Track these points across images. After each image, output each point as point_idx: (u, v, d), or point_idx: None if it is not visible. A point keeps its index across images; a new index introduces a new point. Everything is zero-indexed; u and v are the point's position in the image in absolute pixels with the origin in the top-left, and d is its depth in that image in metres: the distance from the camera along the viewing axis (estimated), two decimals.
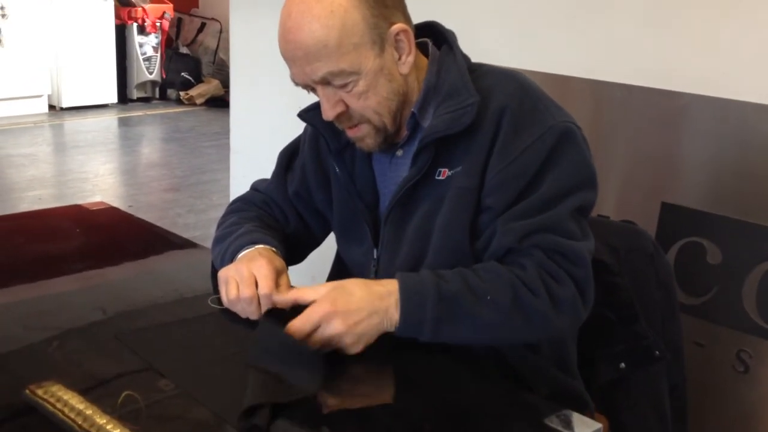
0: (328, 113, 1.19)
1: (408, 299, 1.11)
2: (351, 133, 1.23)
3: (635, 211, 1.81)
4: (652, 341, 1.36)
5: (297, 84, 1.19)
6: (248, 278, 1.16)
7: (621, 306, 1.35)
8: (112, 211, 1.77)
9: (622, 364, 1.37)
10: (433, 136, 1.18)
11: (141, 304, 1.29)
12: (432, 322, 1.11)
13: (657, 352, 1.36)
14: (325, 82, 1.15)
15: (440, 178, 1.21)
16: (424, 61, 1.26)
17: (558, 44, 1.98)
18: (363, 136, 1.22)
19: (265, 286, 1.16)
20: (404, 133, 1.26)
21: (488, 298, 1.12)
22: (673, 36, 1.78)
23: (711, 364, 1.79)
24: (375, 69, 1.16)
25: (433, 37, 1.28)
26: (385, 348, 1.11)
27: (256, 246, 1.25)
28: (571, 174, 1.18)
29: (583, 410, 1.27)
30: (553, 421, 0.95)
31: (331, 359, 1.07)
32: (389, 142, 1.25)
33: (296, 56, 1.14)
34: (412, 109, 1.24)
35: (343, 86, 1.16)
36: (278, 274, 1.19)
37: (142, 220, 1.75)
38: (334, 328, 1.07)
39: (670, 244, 1.79)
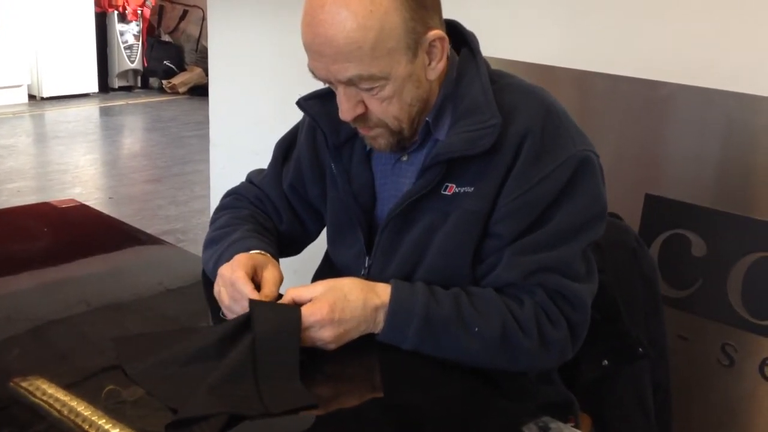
0: (347, 114, 1.13)
1: (394, 313, 1.10)
2: (364, 132, 1.17)
3: (619, 204, 1.77)
4: (635, 339, 1.35)
5: (315, 77, 1.12)
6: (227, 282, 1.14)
7: (604, 304, 1.32)
8: (81, 208, 1.74)
9: (605, 361, 1.36)
10: (449, 155, 1.12)
11: (108, 304, 1.28)
12: (413, 340, 1.11)
13: (640, 350, 1.35)
14: (351, 83, 1.09)
15: (446, 193, 1.16)
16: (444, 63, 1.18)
17: (542, 34, 1.95)
18: (376, 136, 1.17)
19: (236, 278, 1.12)
20: (415, 139, 1.20)
21: (476, 329, 1.10)
22: (657, 25, 1.76)
23: (695, 357, 1.78)
24: (404, 75, 1.09)
25: (453, 38, 1.19)
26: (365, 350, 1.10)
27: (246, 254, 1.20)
28: (584, 208, 1.14)
29: (569, 412, 1.26)
30: (531, 429, 0.93)
31: (307, 356, 1.05)
32: (402, 146, 1.19)
33: (323, 52, 1.06)
34: (426, 118, 1.18)
35: (369, 89, 1.09)
36: (260, 271, 1.16)
37: (112, 218, 1.73)
38: (323, 335, 1.06)
39: (654, 237, 1.77)
